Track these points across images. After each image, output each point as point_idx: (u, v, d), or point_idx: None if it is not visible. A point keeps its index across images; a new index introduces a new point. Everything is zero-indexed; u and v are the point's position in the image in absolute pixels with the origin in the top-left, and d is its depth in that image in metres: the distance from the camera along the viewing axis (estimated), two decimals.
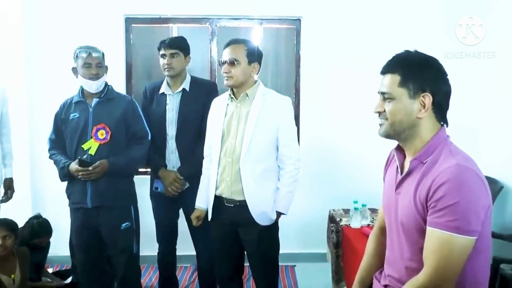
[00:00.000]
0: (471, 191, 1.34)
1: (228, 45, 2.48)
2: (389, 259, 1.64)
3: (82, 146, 2.68)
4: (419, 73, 1.45)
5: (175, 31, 4.05)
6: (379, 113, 1.51)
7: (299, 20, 4.04)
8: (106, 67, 2.80)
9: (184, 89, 3.01)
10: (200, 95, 2.96)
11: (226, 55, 2.45)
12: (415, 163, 1.47)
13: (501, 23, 2.99)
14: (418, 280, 1.40)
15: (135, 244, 2.88)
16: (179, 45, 2.97)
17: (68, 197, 2.81)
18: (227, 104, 2.54)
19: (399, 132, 1.49)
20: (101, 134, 2.68)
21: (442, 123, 1.50)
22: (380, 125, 1.52)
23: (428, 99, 1.43)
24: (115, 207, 2.74)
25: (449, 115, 1.51)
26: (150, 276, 3.81)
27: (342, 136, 3.88)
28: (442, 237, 1.34)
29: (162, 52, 2.94)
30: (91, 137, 2.68)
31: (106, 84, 2.80)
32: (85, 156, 2.66)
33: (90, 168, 2.61)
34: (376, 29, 3.96)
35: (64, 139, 2.78)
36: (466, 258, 1.36)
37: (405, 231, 1.50)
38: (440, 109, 1.47)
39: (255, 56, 2.48)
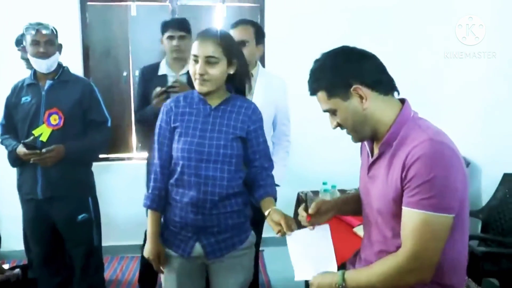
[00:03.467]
0: (446, 166, 1.27)
1: (236, 25, 2.52)
2: (365, 243, 1.59)
3: (33, 132, 2.49)
4: (334, 75, 1.40)
5: (133, 9, 3.86)
6: (339, 126, 1.47)
7: None
8: (60, 45, 2.62)
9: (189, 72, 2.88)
10: None
11: (236, 36, 2.38)
12: (383, 146, 1.41)
13: (501, 23, 2.99)
14: (393, 261, 1.34)
15: (95, 236, 2.73)
16: (188, 27, 2.85)
17: (19, 187, 2.64)
18: None
19: (365, 132, 1.45)
20: (54, 119, 2.50)
21: (393, 95, 1.45)
22: (349, 134, 1.49)
23: (359, 89, 1.38)
24: (69, 198, 2.58)
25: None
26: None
27: (308, 116, 3.80)
28: (418, 217, 1.28)
29: (169, 34, 2.79)
30: (43, 122, 2.50)
31: (60, 65, 2.63)
32: (30, 138, 2.47)
33: (43, 150, 2.42)
34: (344, 6, 3.90)
35: (15, 124, 2.60)
36: (446, 238, 1.30)
37: (380, 215, 1.45)
38: (380, 85, 1.40)
39: (262, 37, 2.61)
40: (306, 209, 1.66)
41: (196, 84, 1.81)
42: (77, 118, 2.58)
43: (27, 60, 2.77)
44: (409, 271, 1.31)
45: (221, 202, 1.83)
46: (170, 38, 2.79)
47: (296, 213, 3.29)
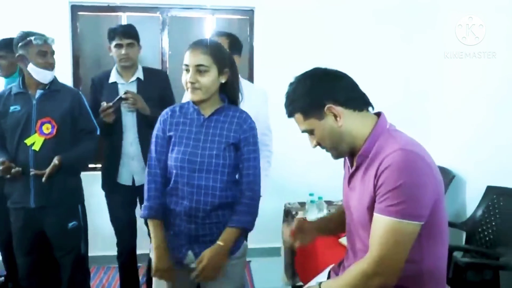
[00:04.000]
0: (415, 174, 1.30)
1: (211, 37, 2.59)
2: (349, 252, 1.62)
3: (25, 141, 2.48)
4: (308, 97, 1.45)
5: (124, 20, 3.89)
6: (318, 145, 1.53)
7: (252, 10, 3.98)
8: None
9: (138, 79, 2.91)
10: (156, 84, 2.87)
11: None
12: (361, 158, 1.45)
13: (501, 23, 2.99)
14: (360, 267, 1.37)
15: (82, 244, 2.72)
16: (135, 35, 2.87)
17: (8, 196, 2.61)
18: None
19: (343, 148, 1.49)
20: (46, 128, 2.49)
21: (367, 110, 1.49)
22: (328, 152, 1.54)
23: (332, 108, 1.43)
24: (61, 206, 2.56)
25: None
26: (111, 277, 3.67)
27: (296, 128, 3.86)
28: (385, 223, 1.31)
29: (117, 42, 2.81)
30: (35, 132, 2.48)
31: None
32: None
33: (32, 172, 2.43)
34: (330, 22, 3.96)
35: (2, 133, 2.57)
36: (411, 244, 1.32)
37: (360, 224, 1.48)
38: (352, 102, 1.45)
39: (237, 49, 2.70)
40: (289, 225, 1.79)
41: (189, 92, 1.84)
42: (68, 127, 2.57)
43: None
44: (372, 275, 1.33)
45: (214, 212, 1.85)
46: (118, 46, 2.82)
47: (284, 224, 3.33)
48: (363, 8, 3.98)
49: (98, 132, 2.71)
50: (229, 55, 1.97)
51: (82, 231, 2.71)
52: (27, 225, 2.57)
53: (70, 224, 2.61)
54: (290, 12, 3.92)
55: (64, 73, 2.93)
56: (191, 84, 1.81)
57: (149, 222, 1.91)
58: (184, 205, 1.85)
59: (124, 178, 2.92)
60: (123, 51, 2.80)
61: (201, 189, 1.83)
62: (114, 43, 2.83)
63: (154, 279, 1.97)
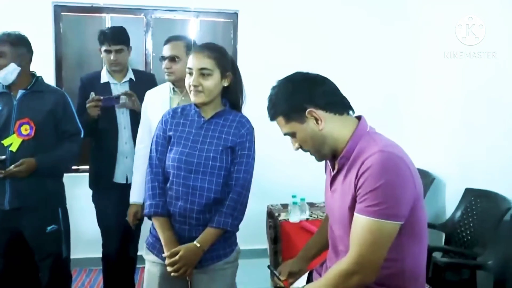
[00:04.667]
0: (394, 175, 1.33)
1: (167, 41, 2.51)
2: (331, 253, 1.65)
3: (2, 142, 2.44)
4: (289, 100, 1.48)
5: (108, 21, 3.89)
6: (300, 148, 1.55)
7: (236, 14, 4.01)
8: (25, 55, 2.52)
9: (131, 79, 2.95)
10: (146, 85, 2.86)
11: (167, 51, 2.47)
12: (342, 160, 1.48)
13: (501, 23, 3.00)
14: (340, 266, 1.40)
15: (64, 248, 2.66)
16: (124, 40, 2.87)
17: None
18: (170, 97, 2.50)
19: (325, 151, 1.51)
20: (25, 129, 2.45)
21: (348, 113, 1.51)
22: (311, 155, 1.56)
23: (313, 112, 1.45)
24: (39, 209, 2.51)
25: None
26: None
27: (278, 130, 3.89)
28: (364, 223, 1.34)
29: (105, 47, 2.82)
30: (14, 132, 2.44)
31: (34, 75, 2.59)
32: (4, 157, 2.41)
33: (13, 168, 2.37)
34: (313, 26, 4.01)
35: None
36: (389, 244, 1.35)
37: (342, 225, 1.50)
38: (333, 106, 1.48)
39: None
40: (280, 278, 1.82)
41: (191, 95, 1.87)
42: (49, 129, 2.53)
43: None
44: (351, 274, 1.37)
45: (208, 214, 1.86)
46: (107, 51, 2.83)
47: (268, 226, 3.34)
48: (345, 12, 4.04)
49: (82, 135, 2.68)
50: (232, 59, 2.00)
51: (62, 235, 2.65)
52: (2, 227, 2.52)
53: (49, 228, 2.56)
54: (273, 15, 3.96)
55: (46, 74, 2.90)
56: (194, 87, 1.84)
57: (155, 220, 1.91)
58: (179, 205, 1.86)
59: (119, 176, 2.93)
60: (112, 57, 2.82)
61: (196, 190, 1.84)
62: (103, 47, 2.83)
63: (144, 281, 1.98)
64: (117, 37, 2.83)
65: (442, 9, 3.56)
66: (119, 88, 2.90)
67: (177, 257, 1.80)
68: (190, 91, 1.86)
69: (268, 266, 2.01)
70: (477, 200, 3.09)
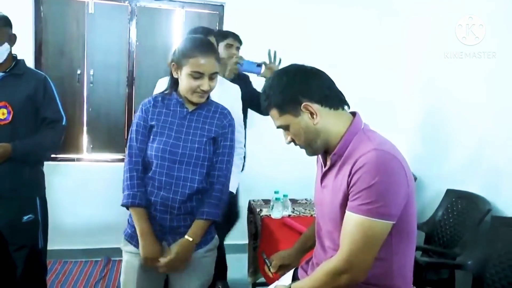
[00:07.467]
0: (387, 174, 1.31)
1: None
2: (318, 250, 1.63)
3: None
4: (284, 93, 1.46)
5: (91, 7, 3.77)
6: (292, 142, 1.53)
7: (222, 6, 3.96)
8: (12, 36, 2.48)
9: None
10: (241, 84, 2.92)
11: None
12: (335, 157, 1.47)
13: (501, 23, 2.99)
14: (329, 264, 1.39)
15: (40, 238, 2.59)
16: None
17: None
18: None
19: (318, 146, 1.49)
20: (2, 113, 2.37)
21: (343, 109, 1.50)
22: (302, 148, 1.54)
23: (308, 105, 1.43)
24: (15, 197, 2.43)
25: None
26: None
27: (262, 125, 3.86)
28: (355, 221, 1.33)
29: (228, 42, 3.07)
30: None
31: (15, 57, 2.50)
32: None
33: None
34: (301, 18, 3.99)
35: None
36: (381, 243, 1.34)
37: (331, 222, 1.49)
38: (328, 100, 1.46)
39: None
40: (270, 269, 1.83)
41: (194, 96, 1.85)
42: (28, 114, 2.45)
43: None
44: (341, 272, 1.35)
45: (189, 203, 1.86)
46: (229, 46, 3.04)
47: (249, 222, 3.32)
48: (334, 5, 4.03)
49: (64, 123, 2.59)
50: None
51: (39, 225, 2.58)
52: None
53: (25, 217, 2.48)
54: (259, 8, 3.93)
55: (26, 59, 2.80)
56: (204, 92, 1.83)
57: (132, 211, 1.87)
58: (160, 195, 1.84)
59: None
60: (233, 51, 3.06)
61: (180, 180, 1.84)
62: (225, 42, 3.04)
63: (122, 272, 1.95)
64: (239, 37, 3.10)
65: (442, 9, 3.56)
66: None
67: (173, 254, 1.81)
68: (196, 93, 1.83)
69: (261, 254, 2.01)
70: (458, 201, 3.11)
